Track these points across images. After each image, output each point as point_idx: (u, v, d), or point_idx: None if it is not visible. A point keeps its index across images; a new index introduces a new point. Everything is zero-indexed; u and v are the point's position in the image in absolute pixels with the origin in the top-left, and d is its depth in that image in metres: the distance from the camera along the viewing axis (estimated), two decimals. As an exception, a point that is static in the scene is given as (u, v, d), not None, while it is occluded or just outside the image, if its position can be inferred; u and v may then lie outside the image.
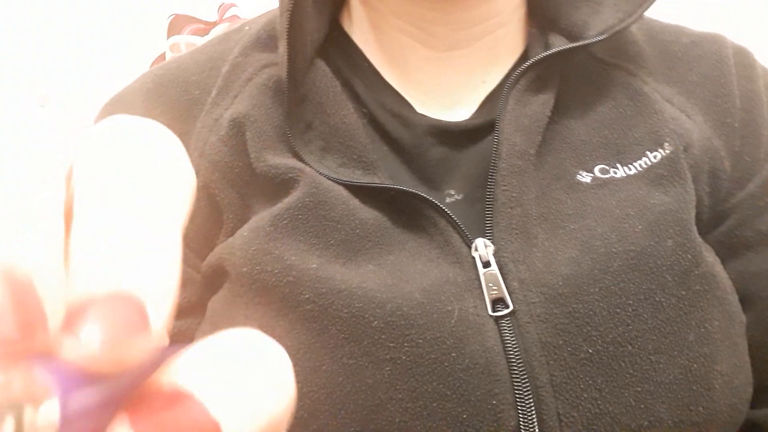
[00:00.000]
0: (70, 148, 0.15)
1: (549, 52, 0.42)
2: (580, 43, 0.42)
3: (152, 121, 0.15)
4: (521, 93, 0.41)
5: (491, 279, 0.37)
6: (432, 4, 0.43)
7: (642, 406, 0.35)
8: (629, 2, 0.42)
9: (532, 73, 0.42)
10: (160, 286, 0.13)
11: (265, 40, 0.45)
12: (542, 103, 0.42)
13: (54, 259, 0.12)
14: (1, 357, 0.11)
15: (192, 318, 0.42)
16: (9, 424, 0.11)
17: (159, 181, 0.14)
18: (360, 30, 0.46)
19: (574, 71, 0.44)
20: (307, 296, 0.36)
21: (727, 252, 0.42)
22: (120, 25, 1.51)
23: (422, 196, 0.39)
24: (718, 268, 0.40)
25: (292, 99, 0.41)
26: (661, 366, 0.36)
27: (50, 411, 0.11)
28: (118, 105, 0.44)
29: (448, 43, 0.44)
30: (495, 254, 0.38)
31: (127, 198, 0.14)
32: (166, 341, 0.13)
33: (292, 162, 0.40)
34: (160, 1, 1.49)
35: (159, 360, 0.13)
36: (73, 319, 0.12)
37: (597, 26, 0.42)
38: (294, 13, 0.40)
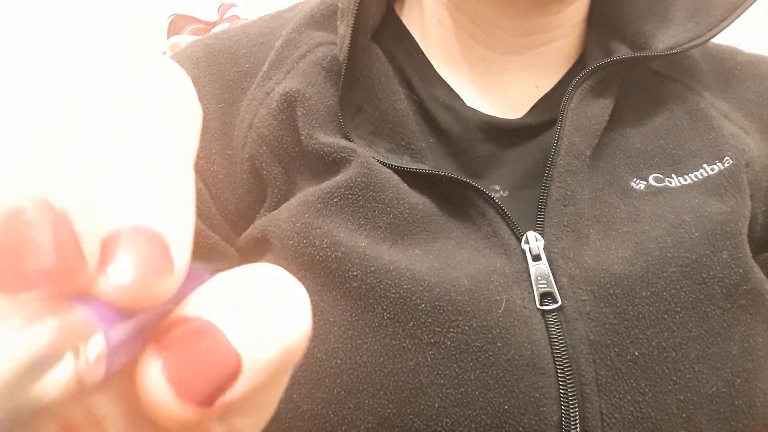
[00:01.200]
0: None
1: (617, 57, 0.42)
2: (650, 53, 0.42)
3: (163, 57, 0.16)
4: (584, 94, 0.41)
5: (540, 273, 0.37)
6: (502, 8, 0.43)
7: (684, 415, 0.35)
8: (699, 25, 0.42)
9: (595, 77, 0.42)
10: (181, 224, 0.13)
11: (318, 19, 0.45)
12: (602, 107, 0.42)
13: (86, 197, 0.13)
14: (48, 298, 0.12)
15: None
16: (69, 361, 0.12)
17: (170, 119, 0.15)
18: (417, 20, 0.46)
19: (630, 81, 0.44)
20: (354, 273, 0.36)
21: None
22: (120, 25, 1.51)
23: (473, 185, 0.39)
24: (767, 286, 0.40)
25: (347, 81, 0.40)
26: (704, 376, 0.35)
27: (96, 346, 0.12)
28: None
29: (507, 47, 0.44)
30: (545, 249, 0.38)
31: (143, 136, 0.14)
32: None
33: (344, 142, 0.40)
34: (160, 1, 1.49)
35: (183, 292, 0.14)
36: (105, 258, 0.13)
37: (665, 40, 0.43)
38: None
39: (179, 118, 0.15)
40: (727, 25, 0.42)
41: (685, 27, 0.43)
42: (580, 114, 0.41)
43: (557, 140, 0.40)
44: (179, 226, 0.13)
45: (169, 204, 0.13)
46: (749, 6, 0.42)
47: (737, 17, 0.42)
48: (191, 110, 0.15)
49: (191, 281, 0.14)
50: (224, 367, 0.13)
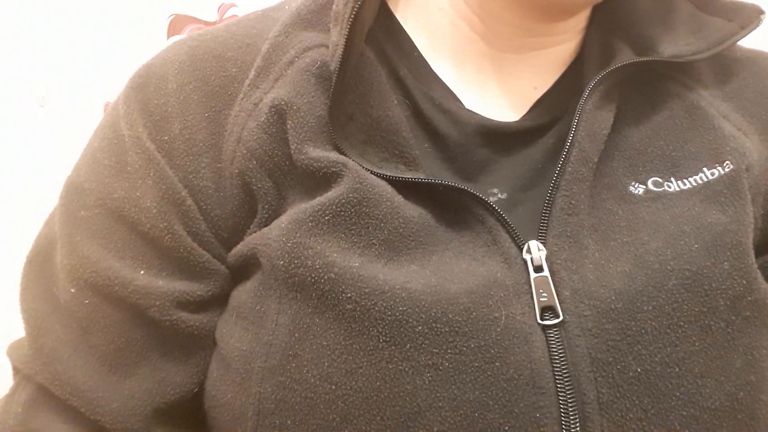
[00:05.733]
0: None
1: (635, 60, 0.41)
2: (658, 57, 0.42)
3: None
4: (598, 99, 0.40)
5: (542, 285, 0.36)
6: (508, 5, 0.41)
7: (686, 430, 0.34)
8: (700, 41, 0.42)
9: (609, 80, 0.41)
10: None
11: (306, 17, 0.43)
12: (609, 110, 0.41)
13: None
14: None
15: (212, 311, 0.40)
16: None
17: None
18: (413, 14, 0.44)
19: (629, 81, 0.43)
20: (348, 295, 0.35)
21: None
22: (120, 25, 1.51)
23: (470, 192, 0.37)
24: None
25: (338, 90, 0.39)
26: (708, 391, 0.35)
27: None
28: (150, 76, 0.42)
29: (509, 45, 0.43)
30: (547, 259, 0.37)
31: None
32: None
33: (335, 156, 0.38)
34: (160, 1, 1.48)
35: None
36: None
37: (670, 48, 0.42)
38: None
39: None
40: (727, 47, 0.43)
41: (687, 41, 0.42)
42: (592, 119, 0.40)
43: (568, 146, 0.39)
44: None
45: None
46: (747, 34, 0.42)
47: (736, 41, 0.43)
48: None
49: None
50: None
